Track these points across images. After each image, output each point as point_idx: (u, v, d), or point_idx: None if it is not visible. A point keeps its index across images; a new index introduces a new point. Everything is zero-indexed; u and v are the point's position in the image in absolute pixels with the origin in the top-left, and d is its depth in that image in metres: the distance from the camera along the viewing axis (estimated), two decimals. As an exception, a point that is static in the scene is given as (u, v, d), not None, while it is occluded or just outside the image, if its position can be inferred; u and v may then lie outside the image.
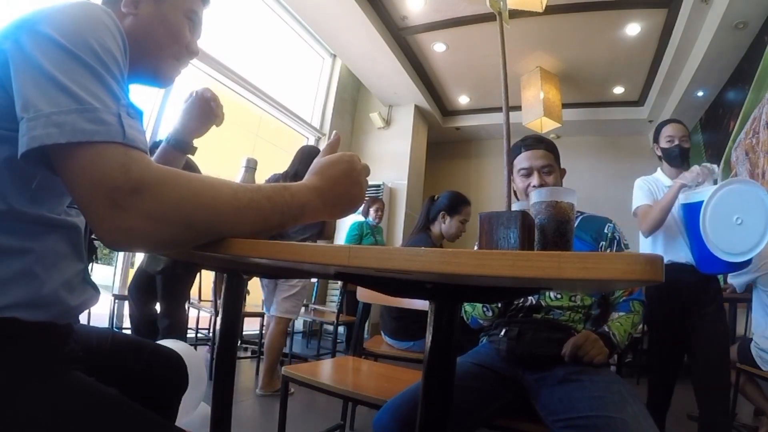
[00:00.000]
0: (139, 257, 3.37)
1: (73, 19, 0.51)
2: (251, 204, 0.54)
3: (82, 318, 0.72)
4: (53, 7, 0.52)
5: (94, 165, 0.46)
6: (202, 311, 3.20)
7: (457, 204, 2.30)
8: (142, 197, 0.46)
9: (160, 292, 2.39)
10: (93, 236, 0.82)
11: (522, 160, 1.24)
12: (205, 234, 0.52)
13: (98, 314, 2.95)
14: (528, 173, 1.23)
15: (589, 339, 1.03)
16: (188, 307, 3.11)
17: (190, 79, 3.70)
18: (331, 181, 0.62)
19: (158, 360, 0.85)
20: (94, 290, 0.68)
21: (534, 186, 1.19)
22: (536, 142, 1.26)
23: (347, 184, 0.62)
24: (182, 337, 2.37)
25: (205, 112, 0.95)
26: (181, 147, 0.95)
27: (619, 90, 5.19)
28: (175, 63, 0.76)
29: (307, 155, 2.50)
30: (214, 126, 0.99)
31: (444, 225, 2.28)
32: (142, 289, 2.44)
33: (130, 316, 2.52)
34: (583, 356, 1.01)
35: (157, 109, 3.35)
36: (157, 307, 2.44)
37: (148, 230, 0.48)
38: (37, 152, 0.46)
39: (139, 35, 0.69)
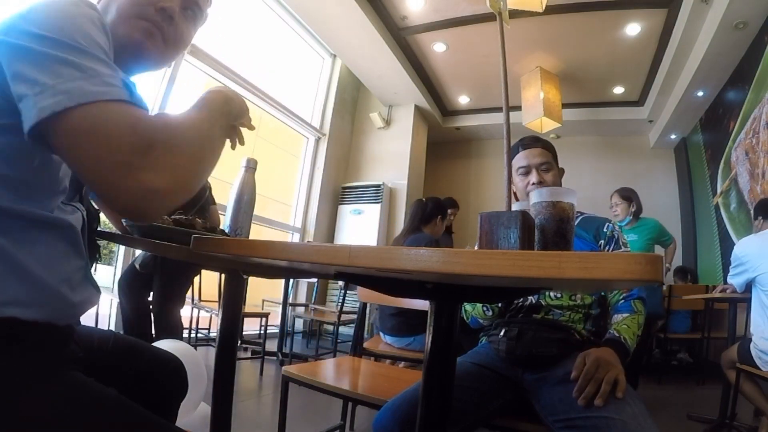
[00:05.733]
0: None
1: (60, 17, 0.52)
2: (210, 129, 0.60)
3: (89, 320, 0.72)
4: (36, 6, 0.52)
5: (105, 124, 0.47)
6: (202, 311, 3.20)
7: (445, 208, 2.71)
8: (156, 152, 0.48)
9: (155, 292, 2.38)
10: (96, 236, 0.82)
11: (520, 159, 1.25)
12: (207, 169, 0.58)
13: (100, 315, 2.95)
14: (526, 171, 1.23)
15: (590, 362, 0.92)
16: (191, 308, 3.11)
17: (191, 79, 3.70)
18: (210, 95, 0.68)
19: (157, 364, 0.85)
20: (95, 289, 0.67)
21: (533, 184, 1.20)
22: (533, 141, 1.27)
23: (220, 92, 0.69)
24: (178, 337, 2.37)
25: None
26: None
27: (619, 90, 5.19)
28: (147, 25, 0.69)
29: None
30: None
31: (437, 227, 2.60)
32: (134, 284, 2.42)
33: (122, 310, 2.50)
34: (598, 381, 0.88)
35: (158, 106, 3.34)
36: (154, 301, 2.42)
37: (169, 183, 0.49)
38: (44, 126, 0.46)
39: (105, 6, 0.68)
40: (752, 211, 2.51)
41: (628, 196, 3.31)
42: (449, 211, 3.55)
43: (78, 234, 0.65)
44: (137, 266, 2.43)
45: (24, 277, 0.54)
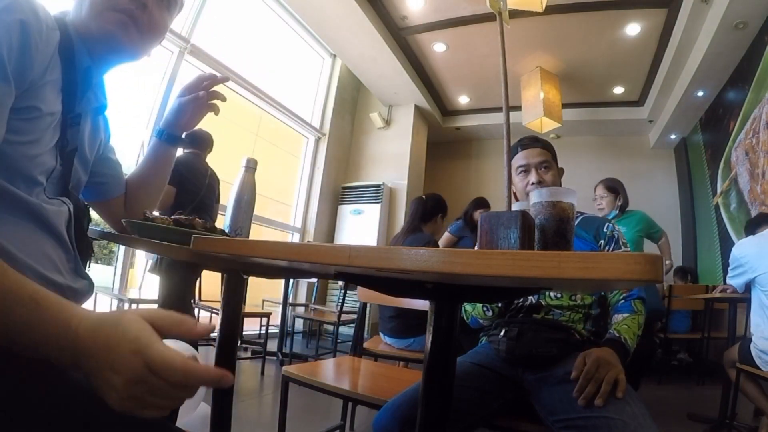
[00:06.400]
0: (140, 258, 3.38)
1: None
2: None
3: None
4: None
5: None
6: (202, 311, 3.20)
7: (446, 206, 2.60)
8: None
9: (160, 294, 2.38)
10: (90, 234, 0.82)
11: (519, 159, 1.25)
12: None
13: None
14: (526, 170, 1.23)
15: (591, 361, 0.92)
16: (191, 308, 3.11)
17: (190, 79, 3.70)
18: (99, 355, 0.39)
19: None
20: (87, 281, 0.67)
21: (533, 183, 1.19)
22: (532, 141, 1.26)
23: (112, 381, 0.38)
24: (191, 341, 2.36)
25: (199, 106, 0.94)
26: (172, 141, 0.94)
27: (619, 90, 5.19)
28: (120, 17, 0.66)
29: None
30: (212, 114, 0.96)
31: (437, 225, 2.54)
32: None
33: None
34: (599, 381, 0.88)
35: (158, 105, 3.34)
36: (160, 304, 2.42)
37: None
38: None
39: (79, 2, 0.67)
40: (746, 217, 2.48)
41: (614, 187, 3.05)
42: (479, 211, 3.43)
43: (58, 226, 0.64)
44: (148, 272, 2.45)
45: (12, 261, 0.53)
